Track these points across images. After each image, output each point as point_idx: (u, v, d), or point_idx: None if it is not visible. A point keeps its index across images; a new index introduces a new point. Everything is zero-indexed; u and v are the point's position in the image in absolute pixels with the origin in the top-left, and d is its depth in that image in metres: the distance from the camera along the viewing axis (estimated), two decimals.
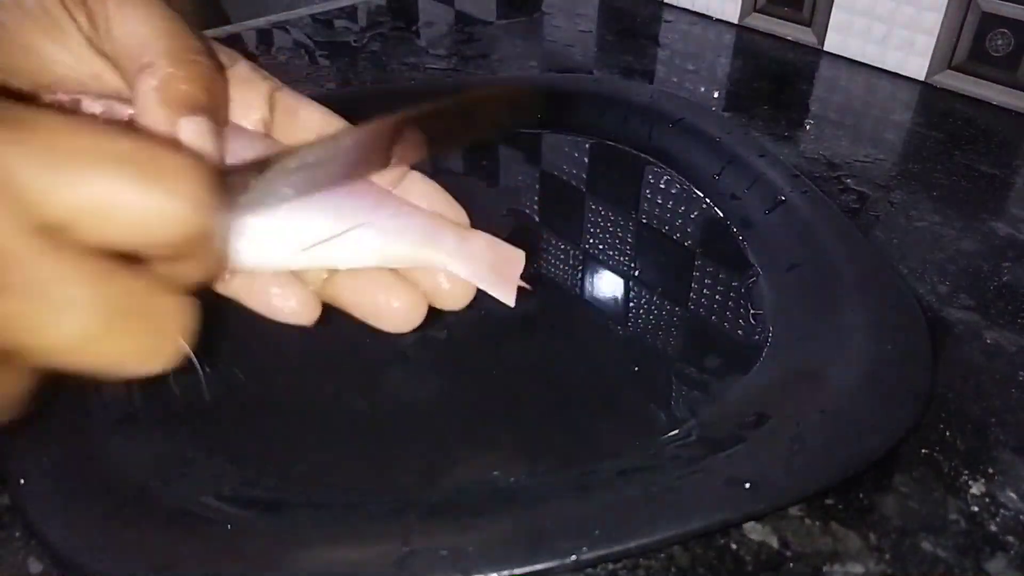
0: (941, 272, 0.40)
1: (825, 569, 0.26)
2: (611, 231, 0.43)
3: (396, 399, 0.32)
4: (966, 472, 0.29)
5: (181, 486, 0.28)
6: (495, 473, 0.29)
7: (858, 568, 0.26)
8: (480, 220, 0.42)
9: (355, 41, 0.68)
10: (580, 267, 0.41)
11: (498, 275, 0.26)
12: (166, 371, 0.20)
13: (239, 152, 0.24)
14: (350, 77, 0.61)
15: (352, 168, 0.25)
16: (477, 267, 0.26)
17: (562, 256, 0.41)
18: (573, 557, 0.25)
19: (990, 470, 0.29)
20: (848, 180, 0.48)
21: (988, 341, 0.35)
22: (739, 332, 0.36)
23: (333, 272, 0.26)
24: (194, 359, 0.20)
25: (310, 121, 0.27)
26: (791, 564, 0.26)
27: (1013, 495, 0.28)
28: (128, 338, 0.19)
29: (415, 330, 0.27)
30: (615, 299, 0.39)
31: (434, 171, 0.47)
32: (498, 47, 0.67)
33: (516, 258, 0.27)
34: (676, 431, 0.31)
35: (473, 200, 0.45)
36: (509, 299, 0.26)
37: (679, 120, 0.51)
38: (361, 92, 0.58)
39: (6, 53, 0.25)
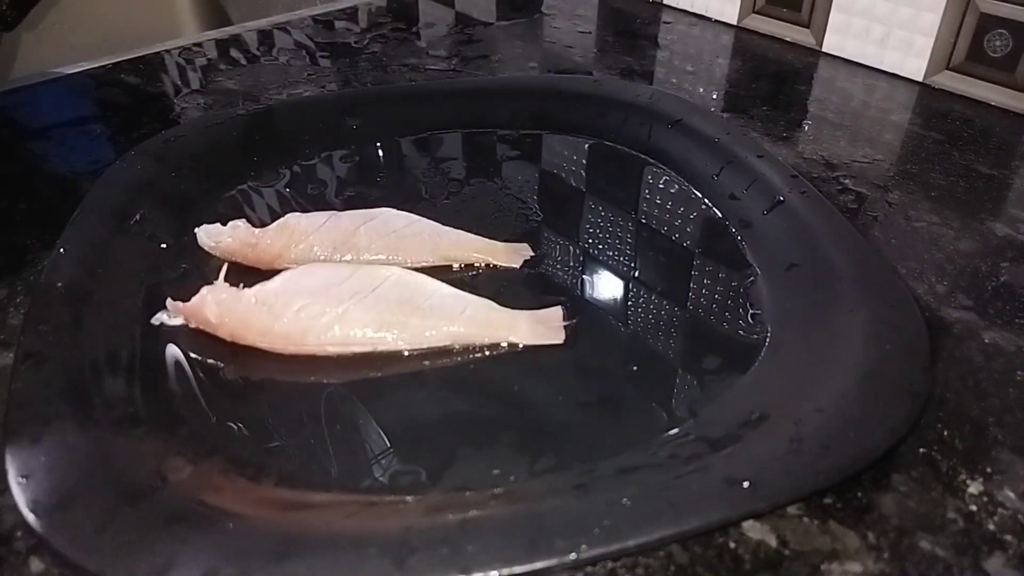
0: (939, 272, 0.40)
1: (823, 568, 0.26)
2: (610, 231, 0.43)
3: (396, 398, 0.32)
4: (964, 471, 0.29)
5: (181, 486, 0.28)
6: (495, 472, 0.29)
7: (856, 567, 0.26)
8: (481, 219, 0.43)
9: (356, 42, 0.68)
10: (579, 266, 0.41)
11: (546, 329, 0.36)
12: None
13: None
14: (351, 78, 0.61)
15: None
16: (531, 333, 0.35)
17: (561, 255, 0.41)
18: (572, 555, 0.25)
19: (988, 469, 0.29)
20: (846, 180, 0.48)
21: (986, 341, 0.36)
22: (738, 332, 0.36)
23: None
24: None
25: None
26: (789, 563, 0.26)
27: (1011, 494, 0.28)
28: None
29: None
30: (614, 298, 0.39)
31: (437, 173, 0.48)
32: (498, 48, 0.67)
33: (555, 313, 0.36)
34: (675, 430, 0.31)
35: (475, 200, 0.45)
36: (558, 339, 0.35)
37: (678, 121, 0.51)
38: (362, 93, 0.58)
39: None
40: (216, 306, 0.34)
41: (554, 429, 0.31)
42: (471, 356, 0.34)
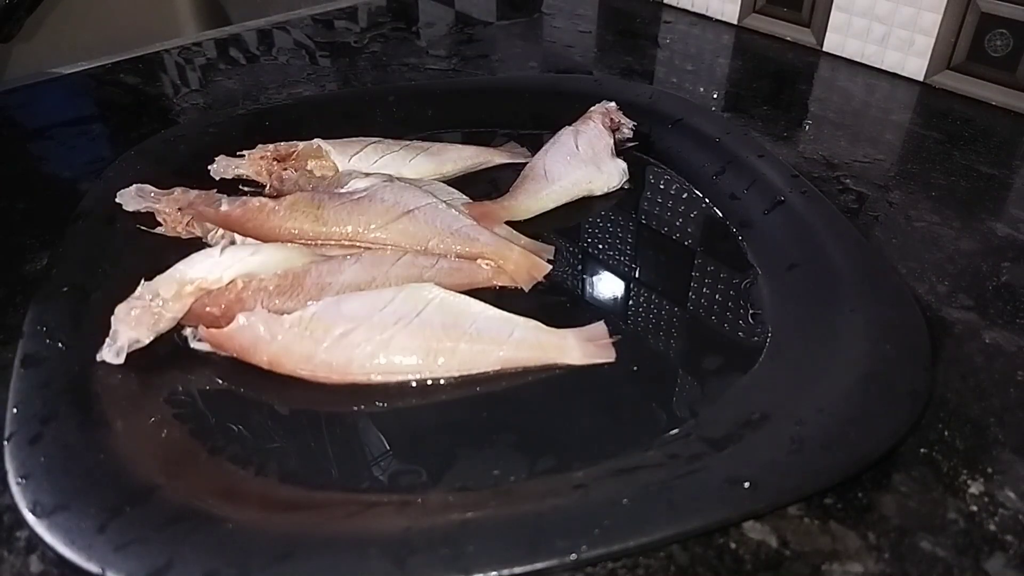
0: (940, 272, 0.40)
1: (824, 568, 0.26)
2: (611, 231, 0.43)
3: (397, 399, 0.32)
4: (965, 472, 0.29)
5: (182, 485, 0.28)
6: (495, 472, 0.29)
7: (857, 567, 0.26)
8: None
9: (355, 42, 0.68)
10: (580, 267, 0.41)
11: (596, 348, 0.34)
12: None
13: None
14: (350, 78, 0.61)
15: None
16: (582, 354, 0.34)
17: (562, 256, 0.41)
18: (573, 556, 0.25)
19: (989, 470, 0.29)
20: (847, 180, 0.48)
21: (987, 341, 0.36)
22: (739, 332, 0.36)
23: None
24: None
25: None
26: (790, 563, 0.26)
27: (1012, 494, 0.28)
28: None
29: None
30: (615, 298, 0.39)
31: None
32: (498, 48, 0.67)
33: (600, 329, 0.35)
34: (676, 430, 0.31)
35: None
36: (610, 358, 0.34)
37: (678, 120, 0.51)
38: (362, 92, 0.58)
39: None
40: (256, 333, 0.33)
41: (554, 429, 0.31)
42: None
